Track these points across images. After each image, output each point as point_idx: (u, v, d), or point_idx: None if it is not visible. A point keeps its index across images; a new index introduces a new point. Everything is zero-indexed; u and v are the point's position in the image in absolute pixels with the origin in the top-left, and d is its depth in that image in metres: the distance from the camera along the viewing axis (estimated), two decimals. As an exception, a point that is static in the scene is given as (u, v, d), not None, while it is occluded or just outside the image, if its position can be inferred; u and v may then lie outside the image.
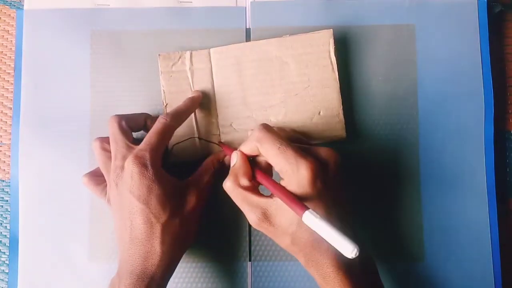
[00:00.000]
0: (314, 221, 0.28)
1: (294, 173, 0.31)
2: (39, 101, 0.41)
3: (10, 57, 0.42)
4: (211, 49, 0.40)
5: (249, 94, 0.39)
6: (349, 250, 0.26)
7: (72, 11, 0.41)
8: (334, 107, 0.39)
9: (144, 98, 0.41)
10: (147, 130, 0.38)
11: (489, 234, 0.40)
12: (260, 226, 0.33)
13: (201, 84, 0.40)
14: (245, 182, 0.33)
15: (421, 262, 0.40)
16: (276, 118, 0.39)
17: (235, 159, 0.34)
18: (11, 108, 0.42)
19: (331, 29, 0.39)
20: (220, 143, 0.39)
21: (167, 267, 0.34)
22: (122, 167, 0.33)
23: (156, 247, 0.33)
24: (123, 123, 0.36)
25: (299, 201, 0.30)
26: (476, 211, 0.40)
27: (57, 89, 0.41)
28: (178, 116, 0.36)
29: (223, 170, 0.38)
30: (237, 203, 0.34)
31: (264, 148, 0.32)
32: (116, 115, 0.36)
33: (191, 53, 0.39)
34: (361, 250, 0.27)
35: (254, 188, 0.34)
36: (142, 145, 0.34)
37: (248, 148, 0.34)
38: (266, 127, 0.33)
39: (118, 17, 0.41)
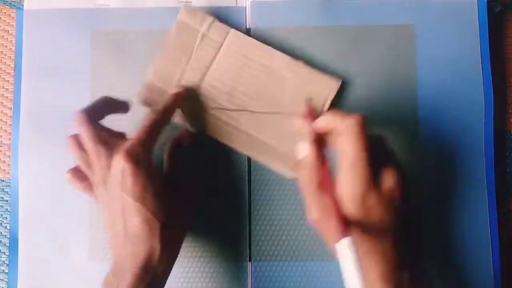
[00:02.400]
0: (346, 252, 0.27)
1: (353, 184, 0.30)
2: (39, 101, 0.41)
3: (10, 57, 0.42)
4: (231, 29, 0.39)
5: (237, 89, 0.39)
6: None
7: (72, 11, 0.41)
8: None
9: (144, 98, 0.41)
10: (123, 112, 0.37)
11: (489, 234, 0.40)
12: (318, 225, 0.32)
13: (200, 58, 0.39)
14: (318, 177, 0.32)
15: (421, 262, 0.40)
16: (245, 123, 0.39)
17: (309, 151, 0.32)
18: (11, 108, 0.42)
19: (340, 81, 0.39)
20: (308, 104, 0.37)
21: (168, 263, 0.33)
22: (109, 166, 0.32)
23: (156, 245, 0.32)
24: (91, 115, 0.34)
25: (344, 224, 0.29)
26: (476, 211, 0.40)
27: (57, 89, 0.41)
28: (167, 112, 0.36)
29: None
30: (305, 196, 0.33)
31: (348, 140, 0.30)
32: (80, 110, 0.34)
33: (213, 20, 0.39)
34: None
35: (321, 183, 0.32)
36: (132, 140, 0.33)
37: (334, 124, 0.31)
38: (366, 125, 0.31)
39: (118, 17, 0.41)
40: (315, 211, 0.32)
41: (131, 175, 0.31)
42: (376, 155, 0.31)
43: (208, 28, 0.39)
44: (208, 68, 0.39)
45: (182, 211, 0.35)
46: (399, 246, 0.31)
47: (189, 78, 0.39)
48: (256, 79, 0.39)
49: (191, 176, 0.39)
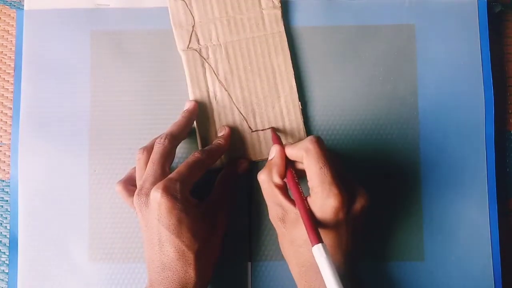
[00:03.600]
0: (321, 257, 0.29)
1: (323, 197, 0.32)
2: (39, 101, 0.41)
3: (10, 57, 0.42)
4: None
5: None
6: None
7: (72, 11, 0.41)
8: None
9: (144, 98, 0.41)
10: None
11: (489, 234, 0.40)
12: (275, 223, 0.35)
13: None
14: (277, 179, 0.34)
15: (421, 262, 0.40)
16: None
17: (273, 153, 0.35)
18: (11, 108, 0.42)
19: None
20: (272, 129, 0.39)
21: (202, 286, 0.34)
22: (148, 194, 0.33)
23: (191, 274, 0.33)
24: (173, 147, 0.35)
25: (317, 230, 0.30)
26: (476, 211, 0.40)
27: (57, 89, 0.41)
28: (212, 156, 0.36)
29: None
30: (264, 196, 0.36)
31: (308, 160, 0.32)
32: (169, 138, 0.35)
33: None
34: None
35: (283, 187, 0.35)
36: (173, 174, 0.33)
37: (293, 152, 0.34)
38: (319, 141, 0.33)
39: (118, 17, 0.41)
40: (274, 210, 0.35)
41: (166, 209, 0.32)
42: (340, 172, 0.33)
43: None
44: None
45: (221, 239, 0.36)
46: (348, 259, 0.33)
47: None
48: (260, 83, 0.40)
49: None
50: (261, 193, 0.36)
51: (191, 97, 0.39)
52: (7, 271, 0.40)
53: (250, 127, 0.40)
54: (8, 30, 0.43)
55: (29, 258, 0.40)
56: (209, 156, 0.36)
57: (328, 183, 0.32)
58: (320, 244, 0.29)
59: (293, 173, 0.34)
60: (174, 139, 0.35)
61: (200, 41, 0.40)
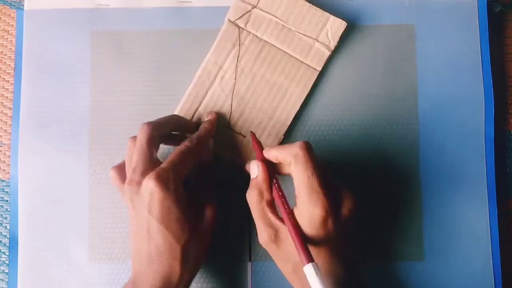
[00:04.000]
0: (313, 276, 0.29)
1: (310, 207, 0.31)
2: (39, 101, 0.41)
3: (10, 57, 0.42)
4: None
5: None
6: None
7: (72, 11, 0.41)
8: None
9: (144, 98, 0.41)
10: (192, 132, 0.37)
11: (489, 234, 0.40)
12: (267, 246, 0.34)
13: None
14: (267, 196, 0.34)
15: (421, 262, 0.40)
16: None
17: (256, 171, 0.34)
18: (11, 108, 0.42)
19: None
20: (252, 134, 0.38)
21: (186, 283, 0.34)
22: (139, 183, 0.32)
23: (176, 267, 0.33)
24: (155, 133, 0.34)
25: (307, 249, 0.30)
26: (476, 211, 0.40)
27: (57, 89, 0.41)
28: (201, 141, 0.36)
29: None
30: (254, 218, 0.34)
31: (297, 168, 0.32)
32: (148, 123, 0.34)
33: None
34: None
35: (272, 203, 0.34)
36: (165, 164, 0.33)
37: (280, 156, 0.33)
38: (309, 148, 0.32)
39: (118, 17, 0.41)
40: (265, 232, 0.33)
41: (158, 199, 0.32)
42: (327, 179, 0.32)
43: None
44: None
45: (209, 235, 0.36)
46: (346, 265, 0.33)
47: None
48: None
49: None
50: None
51: (204, 62, 0.39)
52: (7, 271, 0.40)
53: (229, 123, 0.39)
54: (8, 30, 0.43)
55: (29, 258, 0.40)
56: (198, 143, 0.35)
57: (315, 193, 0.31)
58: (310, 264, 0.29)
59: (278, 189, 0.34)
60: (156, 125, 0.35)
61: (247, 24, 0.39)
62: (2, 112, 0.42)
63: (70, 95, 0.41)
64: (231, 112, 0.39)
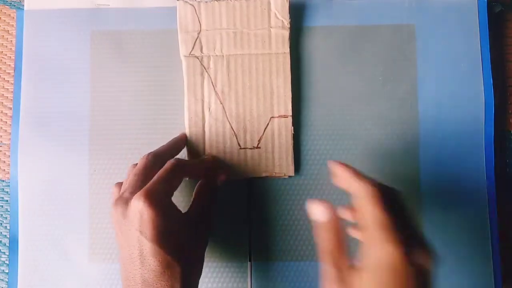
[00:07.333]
0: None
1: (381, 242, 0.27)
2: (39, 101, 0.41)
3: (10, 57, 0.42)
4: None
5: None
6: None
7: (72, 11, 0.41)
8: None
9: (144, 98, 0.41)
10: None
11: (489, 234, 0.40)
12: None
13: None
14: (344, 262, 0.29)
15: (421, 262, 0.40)
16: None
17: (323, 215, 0.31)
18: (11, 108, 0.42)
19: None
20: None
21: None
22: (127, 202, 0.31)
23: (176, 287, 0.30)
24: (154, 160, 0.34)
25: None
26: (476, 211, 0.40)
27: (57, 89, 0.41)
28: (193, 163, 0.36)
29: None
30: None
31: (374, 206, 0.28)
32: (149, 153, 0.34)
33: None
34: None
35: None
36: (152, 181, 0.31)
37: (357, 189, 0.29)
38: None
39: (118, 17, 0.41)
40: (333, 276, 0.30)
41: (149, 218, 0.30)
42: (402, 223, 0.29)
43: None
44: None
45: (204, 250, 0.35)
46: None
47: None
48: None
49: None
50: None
51: (186, 104, 0.39)
52: (7, 271, 0.40)
53: (239, 144, 0.39)
54: (8, 30, 0.43)
55: (29, 258, 0.40)
56: (187, 161, 0.35)
57: (391, 231, 0.27)
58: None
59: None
60: (157, 155, 0.34)
61: (203, 49, 0.39)
62: (2, 112, 0.42)
63: (70, 95, 0.41)
64: (235, 134, 0.39)
